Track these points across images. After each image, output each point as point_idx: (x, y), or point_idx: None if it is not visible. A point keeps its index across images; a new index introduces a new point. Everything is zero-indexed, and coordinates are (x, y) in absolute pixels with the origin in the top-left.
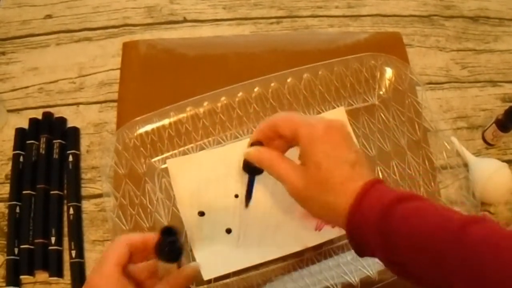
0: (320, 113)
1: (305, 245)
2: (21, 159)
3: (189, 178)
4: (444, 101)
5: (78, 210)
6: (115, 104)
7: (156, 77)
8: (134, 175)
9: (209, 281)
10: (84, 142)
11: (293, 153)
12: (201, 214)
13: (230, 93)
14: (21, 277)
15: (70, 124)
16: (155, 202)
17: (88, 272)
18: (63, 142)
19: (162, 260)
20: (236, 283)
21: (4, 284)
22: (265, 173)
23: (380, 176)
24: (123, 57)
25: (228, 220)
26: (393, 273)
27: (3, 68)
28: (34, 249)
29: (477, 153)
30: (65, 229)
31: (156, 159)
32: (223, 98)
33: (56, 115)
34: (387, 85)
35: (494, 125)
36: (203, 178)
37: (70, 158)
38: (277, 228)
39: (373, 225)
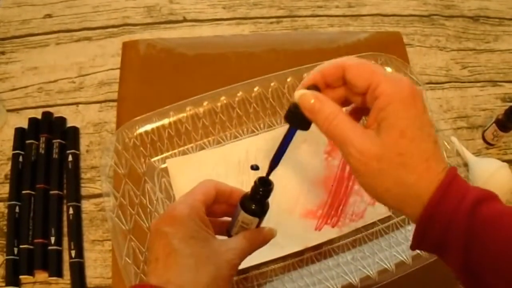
0: None
1: (305, 245)
2: (21, 158)
3: (189, 178)
4: (444, 101)
5: (78, 210)
6: (115, 103)
7: (156, 76)
8: (133, 175)
9: None
10: (83, 142)
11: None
12: None
13: (230, 93)
14: (21, 277)
15: (69, 123)
16: (155, 202)
17: (88, 272)
18: (63, 141)
19: (249, 212)
20: (236, 283)
21: (3, 284)
22: (263, 170)
23: None
24: (123, 56)
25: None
26: (461, 280)
27: (2, 68)
28: (33, 249)
29: (477, 153)
30: (65, 229)
31: (155, 159)
32: (222, 98)
33: (56, 115)
34: None
35: (494, 125)
36: (203, 178)
37: (70, 158)
38: (277, 228)
39: (461, 221)
